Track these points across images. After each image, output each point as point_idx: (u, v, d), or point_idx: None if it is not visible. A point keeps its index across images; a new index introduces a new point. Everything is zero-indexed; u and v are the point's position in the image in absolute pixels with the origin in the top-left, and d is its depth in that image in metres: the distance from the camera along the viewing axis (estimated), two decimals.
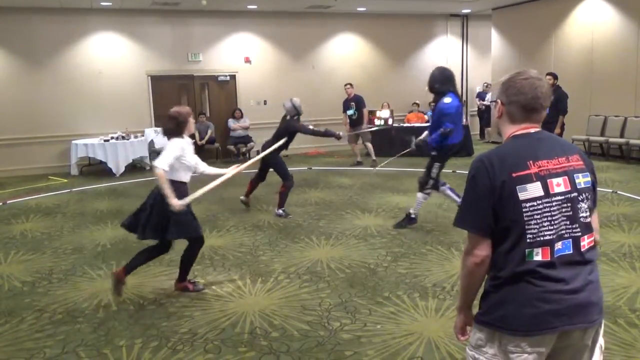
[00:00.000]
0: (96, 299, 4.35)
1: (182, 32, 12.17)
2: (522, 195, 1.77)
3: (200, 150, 11.89)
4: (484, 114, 14.83)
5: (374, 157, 11.00)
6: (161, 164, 4.08)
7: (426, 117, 13.12)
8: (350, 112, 11.10)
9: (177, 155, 4.19)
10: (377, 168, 6.70)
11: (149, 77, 12.03)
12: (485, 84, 15.00)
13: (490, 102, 14.54)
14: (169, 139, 4.32)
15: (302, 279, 4.65)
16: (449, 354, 3.30)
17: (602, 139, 10.88)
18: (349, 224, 6.45)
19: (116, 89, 11.75)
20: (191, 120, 4.37)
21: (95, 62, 11.59)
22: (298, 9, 12.51)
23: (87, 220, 7.06)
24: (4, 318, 4.04)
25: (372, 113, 12.75)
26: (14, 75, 11.07)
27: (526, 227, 1.77)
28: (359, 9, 12.91)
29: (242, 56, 12.74)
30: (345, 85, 11.39)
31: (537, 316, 1.76)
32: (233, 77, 12.75)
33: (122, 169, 10.72)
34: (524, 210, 1.77)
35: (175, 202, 4.02)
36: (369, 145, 11.25)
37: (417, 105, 13.24)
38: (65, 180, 10.28)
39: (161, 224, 4.14)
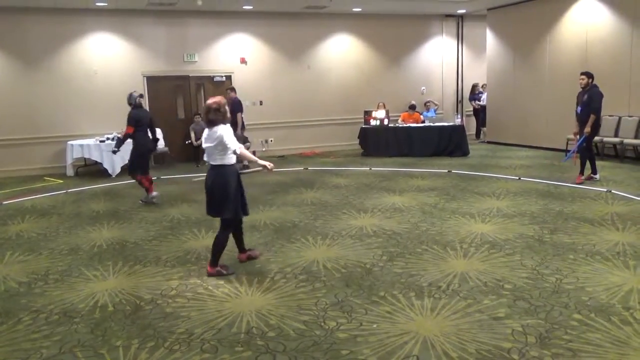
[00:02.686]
0: (93, 299, 4.36)
1: (177, 32, 12.17)
2: None
3: (195, 151, 11.92)
4: (480, 114, 14.87)
5: (245, 162, 11.01)
6: (236, 146, 4.69)
7: (422, 117, 13.17)
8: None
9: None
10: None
11: (145, 78, 12.02)
12: (471, 84, 15.06)
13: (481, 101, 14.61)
14: (214, 126, 4.69)
15: (299, 279, 4.67)
16: (444, 352, 3.33)
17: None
18: (345, 224, 6.47)
19: (112, 90, 11.73)
20: (228, 109, 4.83)
21: (90, 62, 11.58)
22: (294, 9, 12.52)
23: (83, 221, 7.06)
24: (0, 319, 4.04)
25: (367, 113, 12.79)
26: (9, 76, 11.04)
27: None
28: (354, 9, 12.93)
29: (237, 57, 12.74)
30: (227, 89, 11.29)
31: None
32: (229, 77, 12.75)
33: (118, 170, 10.71)
34: None
35: (268, 163, 4.92)
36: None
37: (414, 107, 13.26)
38: (61, 181, 10.27)
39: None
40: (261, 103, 13.05)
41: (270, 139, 13.19)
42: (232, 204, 4.74)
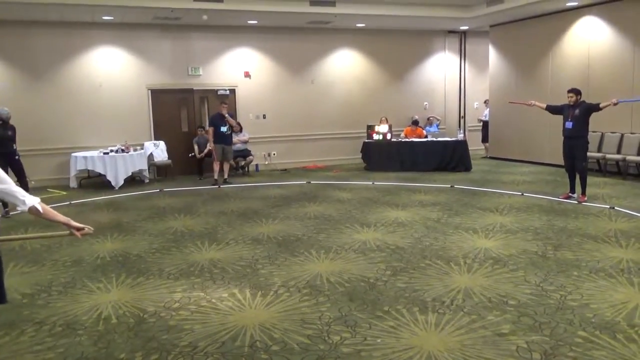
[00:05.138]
0: (96, 311, 4.35)
1: (182, 46, 12.27)
2: None
3: (199, 164, 11.97)
4: (482, 130, 14.88)
5: (226, 177, 11.10)
6: (33, 199, 3.07)
7: (424, 132, 13.21)
8: (224, 128, 10.96)
9: None
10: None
11: (149, 91, 12.10)
12: (473, 100, 15.12)
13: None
14: None
15: (302, 293, 4.66)
16: None
17: (599, 155, 10.95)
18: (348, 238, 6.47)
19: (116, 102, 11.82)
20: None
21: (96, 75, 11.66)
22: (298, 24, 12.62)
23: None
24: (4, 330, 4.04)
25: (370, 128, 12.84)
26: (15, 88, 11.11)
27: None
28: (358, 25, 13.03)
29: (241, 70, 12.83)
30: (223, 103, 11.21)
31: None
32: (233, 91, 12.83)
33: (121, 182, 10.74)
34: None
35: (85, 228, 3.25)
36: (227, 165, 11.19)
37: (417, 122, 13.30)
38: (65, 193, 10.29)
39: None
40: (264, 117, 13.12)
41: (273, 153, 13.24)
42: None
